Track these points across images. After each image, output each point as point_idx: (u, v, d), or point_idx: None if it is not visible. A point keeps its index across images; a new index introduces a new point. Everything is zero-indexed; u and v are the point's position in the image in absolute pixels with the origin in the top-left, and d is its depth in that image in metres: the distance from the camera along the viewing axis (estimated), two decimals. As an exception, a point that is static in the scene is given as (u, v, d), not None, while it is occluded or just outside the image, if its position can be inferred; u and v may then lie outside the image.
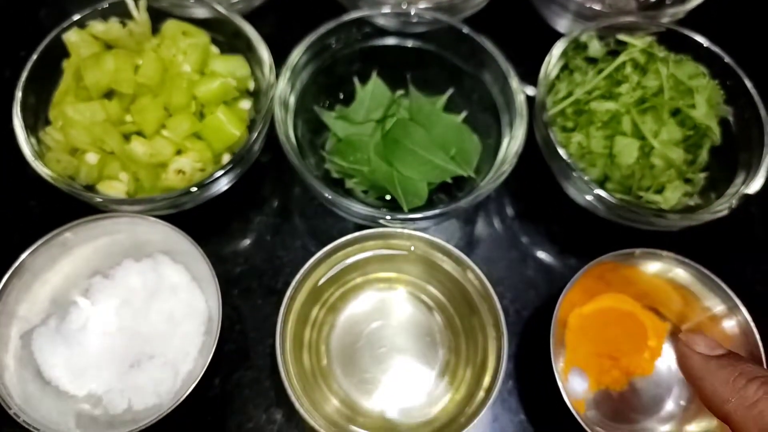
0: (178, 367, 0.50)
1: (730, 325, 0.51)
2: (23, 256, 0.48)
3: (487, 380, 0.47)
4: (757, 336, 0.49)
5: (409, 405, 0.51)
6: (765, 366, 0.49)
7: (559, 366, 0.48)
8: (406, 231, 0.49)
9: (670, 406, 0.53)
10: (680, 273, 0.53)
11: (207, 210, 0.53)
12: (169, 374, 0.50)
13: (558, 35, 0.64)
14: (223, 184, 0.51)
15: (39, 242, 0.48)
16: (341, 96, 0.60)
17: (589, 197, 0.53)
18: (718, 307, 0.52)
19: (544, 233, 0.60)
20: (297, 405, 0.44)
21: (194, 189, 0.48)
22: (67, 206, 0.55)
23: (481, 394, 0.47)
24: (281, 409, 0.52)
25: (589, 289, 0.55)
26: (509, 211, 0.61)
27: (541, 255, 0.59)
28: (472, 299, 0.50)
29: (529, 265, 0.59)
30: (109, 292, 0.51)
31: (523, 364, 0.54)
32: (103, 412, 0.49)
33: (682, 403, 0.53)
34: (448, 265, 0.51)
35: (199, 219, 0.51)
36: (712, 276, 0.51)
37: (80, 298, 0.52)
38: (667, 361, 0.54)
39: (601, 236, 0.58)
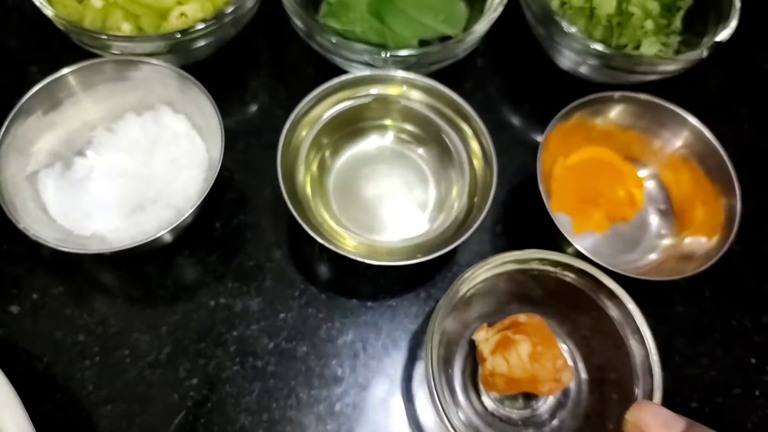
0: (181, 210, 0.52)
1: (698, 151, 0.55)
2: (31, 92, 0.50)
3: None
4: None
5: (405, 228, 0.54)
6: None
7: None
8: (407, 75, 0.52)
9: (652, 239, 0.56)
10: (654, 115, 0.56)
11: (202, 70, 0.55)
12: (172, 215, 0.51)
13: None
14: (227, 32, 0.53)
15: (48, 79, 0.50)
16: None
17: (578, 51, 0.56)
18: (687, 140, 0.56)
19: (528, 98, 0.63)
20: (301, 220, 0.46)
21: (200, 26, 0.50)
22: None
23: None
24: (280, 249, 0.54)
25: (570, 143, 0.57)
26: (495, 80, 0.64)
27: (528, 116, 0.62)
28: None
29: (514, 125, 0.62)
30: (111, 144, 0.53)
31: (511, 210, 0.57)
32: (108, 247, 0.51)
33: (664, 231, 0.56)
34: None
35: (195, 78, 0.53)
36: (677, 109, 0.55)
37: (83, 150, 0.54)
38: (646, 207, 0.58)
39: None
